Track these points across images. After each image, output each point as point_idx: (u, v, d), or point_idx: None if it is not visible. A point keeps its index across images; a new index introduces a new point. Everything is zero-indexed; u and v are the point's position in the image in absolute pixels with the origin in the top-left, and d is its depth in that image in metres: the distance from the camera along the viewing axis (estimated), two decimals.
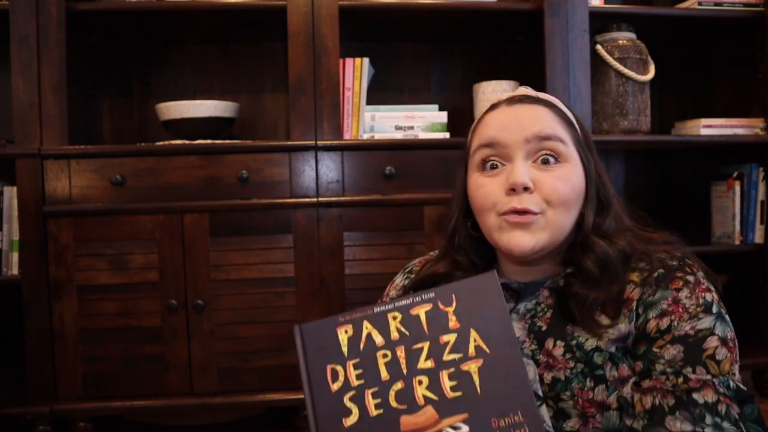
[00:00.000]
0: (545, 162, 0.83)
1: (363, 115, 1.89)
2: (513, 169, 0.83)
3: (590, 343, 0.80)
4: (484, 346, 0.72)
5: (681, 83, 2.35)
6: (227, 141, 1.81)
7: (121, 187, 1.72)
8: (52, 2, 1.71)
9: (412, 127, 1.90)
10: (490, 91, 1.97)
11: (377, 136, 1.87)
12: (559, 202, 0.83)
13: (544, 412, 0.80)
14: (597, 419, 0.79)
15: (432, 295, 0.75)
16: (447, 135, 1.89)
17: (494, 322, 0.73)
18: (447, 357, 0.72)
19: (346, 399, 0.70)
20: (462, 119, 2.10)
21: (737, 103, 2.19)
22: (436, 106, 1.96)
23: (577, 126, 0.89)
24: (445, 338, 0.73)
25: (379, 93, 2.11)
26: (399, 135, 1.89)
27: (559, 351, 0.81)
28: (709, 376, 0.74)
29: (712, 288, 0.81)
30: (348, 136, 1.87)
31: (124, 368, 1.73)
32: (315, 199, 1.78)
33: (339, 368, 0.72)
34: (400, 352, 0.73)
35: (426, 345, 0.73)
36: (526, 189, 0.82)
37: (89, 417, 1.71)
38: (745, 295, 2.10)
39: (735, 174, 2.10)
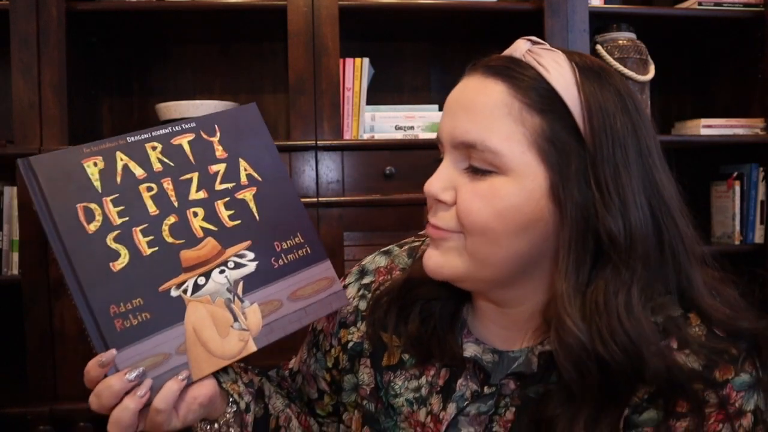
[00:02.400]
0: (474, 171, 0.61)
1: (363, 115, 1.89)
2: (435, 172, 0.65)
3: None
4: (256, 175, 0.71)
5: (681, 83, 2.35)
6: None
7: None
8: (52, 2, 1.70)
9: (412, 127, 1.90)
10: None
11: (377, 136, 1.87)
12: (473, 229, 0.60)
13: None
14: None
15: (193, 124, 0.70)
16: None
17: (262, 152, 0.72)
18: (219, 186, 0.69)
19: (109, 240, 0.63)
20: None
21: (737, 103, 2.19)
22: (436, 106, 1.96)
23: (577, 109, 0.59)
24: (214, 168, 0.70)
25: (379, 93, 2.11)
26: (399, 135, 1.89)
27: None
28: None
29: (755, 408, 0.55)
30: (348, 136, 1.87)
31: None
32: (315, 199, 1.78)
33: (94, 206, 0.63)
34: (167, 185, 0.67)
35: (195, 176, 0.68)
36: (437, 200, 0.64)
37: (89, 417, 1.71)
38: (744, 295, 2.10)
39: (735, 174, 2.10)
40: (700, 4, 2.01)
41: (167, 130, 0.69)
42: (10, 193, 1.79)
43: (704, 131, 2.04)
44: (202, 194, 0.68)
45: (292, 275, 0.68)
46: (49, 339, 1.70)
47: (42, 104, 1.71)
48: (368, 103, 1.91)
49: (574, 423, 0.57)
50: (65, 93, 1.72)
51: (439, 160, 0.66)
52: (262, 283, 0.67)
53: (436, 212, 0.65)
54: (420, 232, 0.82)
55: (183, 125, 0.70)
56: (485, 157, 0.60)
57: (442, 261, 0.64)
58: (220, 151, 0.70)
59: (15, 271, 1.79)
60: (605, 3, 2.04)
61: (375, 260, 0.82)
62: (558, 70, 0.61)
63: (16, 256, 1.78)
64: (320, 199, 1.78)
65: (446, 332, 0.69)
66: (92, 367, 0.60)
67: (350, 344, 0.76)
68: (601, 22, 1.98)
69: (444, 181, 0.64)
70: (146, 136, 0.68)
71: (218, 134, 0.71)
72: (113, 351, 0.60)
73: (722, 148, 2.17)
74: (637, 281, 0.58)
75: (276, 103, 2.16)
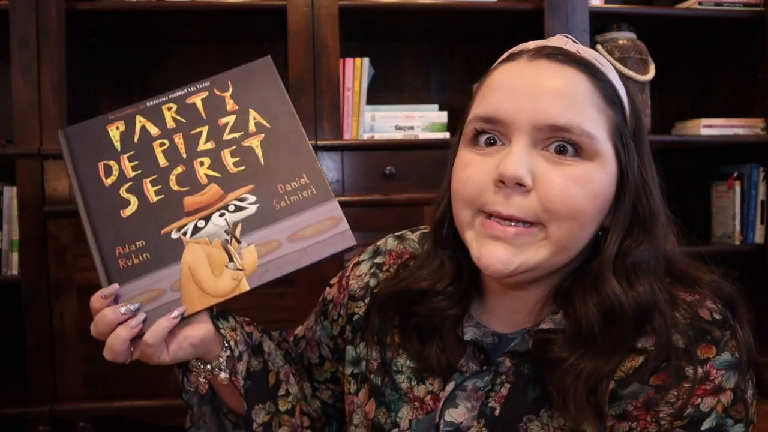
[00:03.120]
0: (560, 152, 0.60)
1: (363, 115, 1.89)
2: (509, 152, 0.61)
3: None
4: (264, 122, 0.73)
5: (681, 83, 2.35)
6: None
7: None
8: (52, 2, 1.71)
9: (412, 127, 1.90)
10: None
11: (377, 136, 1.87)
12: (568, 214, 0.60)
13: None
14: None
15: (207, 83, 0.75)
16: (447, 135, 1.89)
17: (272, 100, 0.74)
18: (227, 136, 0.72)
19: (122, 191, 0.69)
20: (462, 119, 2.09)
21: (737, 103, 2.19)
22: (436, 106, 1.96)
23: (626, 106, 0.64)
24: (223, 120, 0.73)
25: (379, 93, 2.11)
26: (399, 135, 1.89)
27: None
28: None
29: (735, 386, 0.58)
30: (348, 136, 1.87)
31: (124, 368, 1.72)
32: None
33: (112, 163, 0.71)
34: (178, 139, 0.72)
35: (205, 129, 0.72)
36: (520, 185, 0.60)
37: (89, 417, 1.71)
38: (745, 296, 2.10)
39: (735, 174, 2.10)
40: (700, 4, 2.01)
41: (183, 91, 0.75)
42: (10, 193, 1.79)
43: (704, 131, 2.04)
44: (209, 145, 0.72)
45: (294, 216, 0.69)
46: (49, 339, 1.70)
47: (42, 104, 1.71)
48: (368, 103, 1.92)
49: (581, 363, 0.60)
50: (65, 93, 1.72)
51: (487, 139, 0.64)
52: (262, 224, 0.68)
53: (510, 199, 0.60)
54: None
55: (198, 85, 0.75)
56: (580, 141, 0.60)
57: (517, 260, 0.61)
58: (230, 105, 0.74)
59: (15, 271, 1.79)
60: (605, 3, 2.04)
61: (388, 242, 0.82)
62: (610, 69, 0.65)
63: (16, 256, 1.78)
64: None
65: (447, 340, 0.69)
66: (95, 299, 0.66)
67: (356, 317, 0.78)
68: (601, 22, 1.99)
69: (526, 163, 0.60)
70: (164, 99, 0.75)
71: (231, 89, 0.75)
72: (115, 285, 0.66)
73: (722, 148, 2.17)
74: (658, 245, 0.64)
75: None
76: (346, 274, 0.81)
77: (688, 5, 2.06)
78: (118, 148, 0.72)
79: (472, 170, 0.63)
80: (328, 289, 0.84)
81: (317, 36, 1.80)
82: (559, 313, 0.64)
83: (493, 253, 0.61)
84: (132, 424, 1.86)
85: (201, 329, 0.67)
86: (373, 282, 0.78)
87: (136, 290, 0.66)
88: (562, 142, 0.60)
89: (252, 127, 0.73)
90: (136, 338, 0.65)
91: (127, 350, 0.65)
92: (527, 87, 0.61)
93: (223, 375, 0.70)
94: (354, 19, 1.89)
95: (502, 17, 1.95)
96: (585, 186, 0.60)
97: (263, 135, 0.72)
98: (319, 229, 0.68)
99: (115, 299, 0.66)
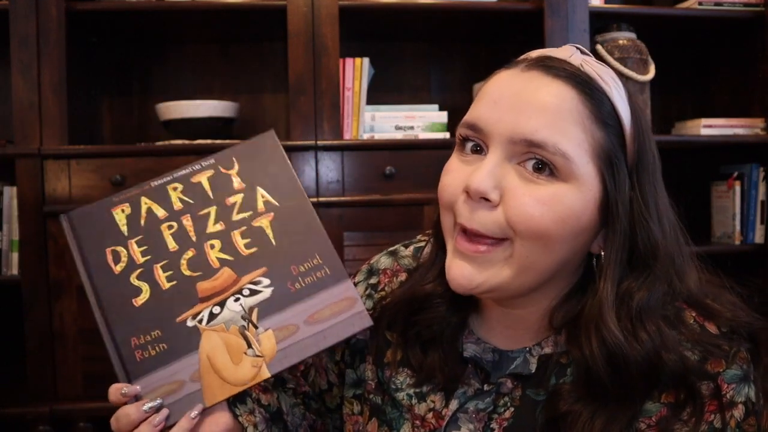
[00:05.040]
0: (537, 169, 0.59)
1: (363, 115, 1.89)
2: (481, 164, 0.60)
3: None
4: (273, 201, 0.72)
5: (681, 83, 2.35)
6: (227, 141, 1.81)
7: (121, 187, 1.72)
8: (52, 2, 1.70)
9: (412, 127, 1.90)
10: None
11: (377, 136, 1.87)
12: (530, 234, 0.58)
13: None
14: None
15: (212, 161, 0.73)
16: (447, 135, 1.89)
17: (280, 177, 0.72)
18: (236, 217, 0.71)
19: (132, 278, 0.68)
20: (462, 119, 2.09)
21: (737, 103, 2.19)
22: (436, 106, 1.96)
23: (627, 130, 0.61)
24: (231, 200, 0.71)
25: (379, 93, 2.11)
26: (399, 135, 1.89)
27: None
28: None
29: (746, 399, 0.58)
30: (348, 136, 1.87)
31: None
32: (315, 199, 1.78)
33: (120, 249, 0.69)
34: (186, 221, 0.70)
35: (213, 210, 0.71)
36: (486, 199, 0.59)
37: (89, 417, 1.71)
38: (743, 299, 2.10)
39: (735, 174, 2.10)
40: (700, 4, 2.01)
41: (188, 170, 0.73)
42: (10, 193, 1.79)
43: (704, 131, 2.04)
44: (219, 226, 0.70)
45: (309, 298, 0.67)
46: (48, 339, 1.70)
47: (42, 104, 1.71)
48: (368, 103, 1.91)
49: (595, 419, 0.58)
50: (65, 93, 1.72)
51: (474, 146, 0.62)
52: (278, 308, 0.67)
53: (474, 212, 0.60)
54: (428, 231, 0.81)
55: (202, 163, 0.73)
56: (554, 160, 0.58)
57: (479, 277, 0.61)
58: (237, 183, 0.72)
59: (15, 271, 1.79)
60: (605, 3, 2.04)
61: (381, 261, 0.81)
62: (615, 88, 0.62)
63: (15, 256, 1.78)
64: (320, 199, 1.78)
65: (448, 352, 0.68)
66: (114, 393, 0.65)
67: (353, 340, 0.78)
68: (601, 22, 1.98)
69: (493, 178, 0.59)
70: (168, 178, 0.73)
71: (236, 166, 0.73)
72: (137, 387, 0.64)
73: (722, 148, 2.17)
74: (661, 285, 0.61)
75: (276, 103, 2.16)
76: None
77: (688, 5, 2.06)
78: (126, 233, 0.70)
79: (451, 177, 0.63)
80: None
81: (317, 36, 1.80)
82: (561, 334, 0.64)
83: (458, 269, 0.61)
84: None
85: (222, 423, 0.65)
86: (369, 304, 0.78)
87: (154, 383, 0.64)
88: (538, 159, 0.59)
89: (261, 206, 0.71)
90: None
91: None
92: (511, 98, 0.60)
93: None
94: (354, 19, 1.89)
95: (502, 17, 1.95)
96: (552, 207, 0.58)
97: (273, 214, 0.71)
98: (335, 310, 0.67)
99: (136, 397, 0.65)
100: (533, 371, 0.64)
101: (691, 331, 0.60)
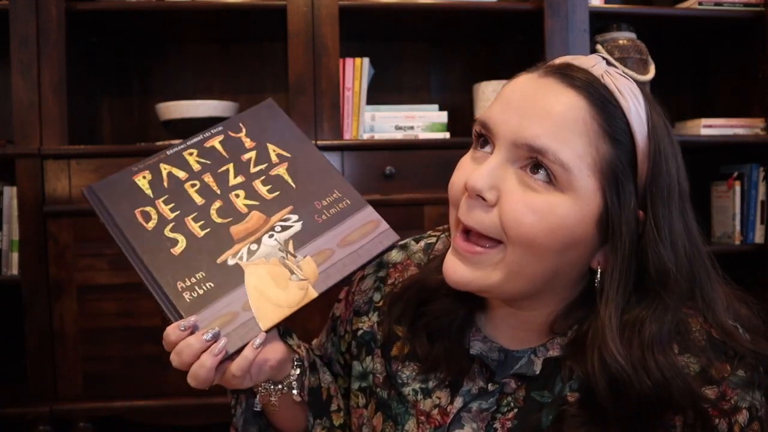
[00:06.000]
0: (536, 174, 0.59)
1: (363, 115, 1.89)
2: (480, 166, 0.61)
3: None
4: (284, 153, 0.78)
5: (681, 83, 2.35)
6: None
7: None
8: (52, 2, 1.70)
9: (412, 127, 1.90)
10: (490, 91, 1.97)
11: (377, 136, 1.87)
12: (520, 240, 0.59)
13: None
14: None
15: (220, 128, 0.79)
16: (447, 135, 1.89)
17: (286, 132, 0.79)
18: (254, 169, 0.76)
19: (166, 232, 0.71)
20: (462, 119, 2.10)
21: (737, 103, 2.19)
22: (436, 106, 1.96)
23: (639, 148, 0.60)
24: (246, 156, 0.77)
25: (379, 93, 2.11)
26: (399, 135, 1.89)
27: None
28: None
29: (750, 405, 0.58)
30: (348, 136, 1.87)
31: (124, 368, 1.73)
32: None
33: (149, 209, 0.73)
34: (208, 179, 0.75)
35: (230, 166, 0.76)
36: (482, 198, 0.60)
37: (89, 417, 1.71)
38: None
39: (735, 174, 2.10)
40: (700, 4, 2.01)
41: (199, 137, 0.78)
42: (10, 193, 1.79)
43: (704, 131, 2.04)
44: (240, 179, 0.75)
45: (337, 226, 0.73)
46: (48, 339, 1.70)
47: (42, 104, 1.71)
48: (368, 103, 1.91)
49: None
50: (65, 93, 1.72)
51: (484, 143, 0.63)
52: (311, 237, 0.72)
53: (471, 210, 0.61)
54: (438, 228, 0.83)
55: (211, 130, 0.79)
56: (553, 169, 0.58)
57: (469, 276, 0.62)
58: (248, 142, 0.78)
59: (15, 271, 1.79)
60: (605, 3, 2.04)
61: (392, 254, 0.82)
62: (634, 103, 0.61)
63: (15, 256, 1.78)
64: None
65: (454, 345, 0.69)
66: (172, 331, 0.66)
67: (360, 332, 0.78)
68: (601, 22, 1.98)
69: (492, 177, 0.60)
70: (182, 146, 0.78)
71: (244, 130, 0.79)
72: (194, 317, 0.66)
73: (722, 148, 2.17)
74: (673, 314, 0.59)
75: (276, 103, 2.16)
76: (352, 290, 0.82)
77: (688, 5, 2.06)
78: (151, 195, 0.74)
79: (459, 173, 0.64)
80: (336, 304, 0.85)
81: (317, 36, 1.80)
82: (566, 335, 0.65)
83: (452, 266, 0.63)
84: (132, 424, 1.86)
85: (278, 351, 0.69)
86: (377, 296, 0.79)
87: (209, 318, 0.67)
88: (539, 164, 0.59)
89: (274, 158, 0.77)
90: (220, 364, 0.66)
91: (213, 376, 0.65)
92: (521, 102, 0.60)
93: (295, 392, 0.72)
94: (354, 19, 1.89)
95: (502, 17, 1.95)
96: (543, 217, 0.58)
97: (287, 163, 0.77)
98: (363, 232, 0.73)
99: (194, 329, 0.67)
100: (537, 372, 0.65)
101: (695, 341, 0.60)
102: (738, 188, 2.09)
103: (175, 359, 0.66)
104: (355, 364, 0.79)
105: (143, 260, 0.69)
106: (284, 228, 0.72)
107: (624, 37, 1.98)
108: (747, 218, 2.08)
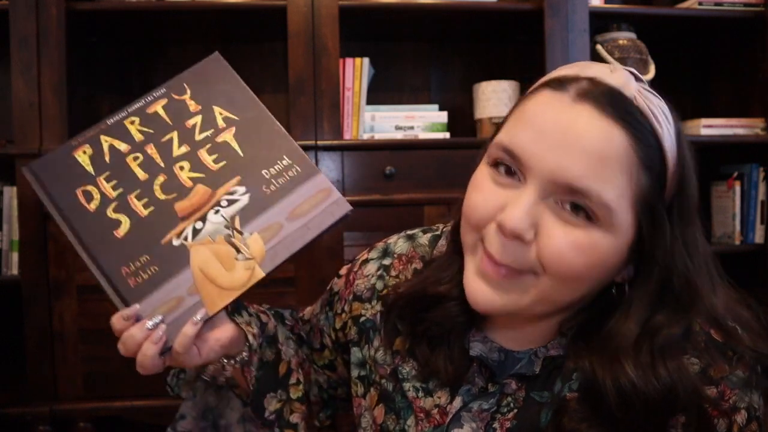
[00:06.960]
0: (575, 210, 0.57)
1: (363, 115, 1.89)
2: (517, 198, 0.58)
3: None
4: (232, 116, 0.73)
5: (681, 83, 2.35)
6: None
7: None
8: (52, 2, 1.70)
9: (412, 127, 1.90)
10: (490, 91, 1.97)
11: (377, 136, 1.87)
12: (561, 276, 0.58)
13: None
14: None
15: (163, 90, 0.75)
16: (447, 135, 1.89)
17: (233, 93, 0.74)
18: (199, 137, 0.72)
19: (109, 212, 0.68)
20: (462, 119, 2.10)
21: (737, 103, 2.19)
22: (436, 106, 1.96)
23: (669, 169, 0.59)
24: (190, 122, 0.73)
25: (379, 93, 2.11)
26: (399, 135, 1.89)
27: None
28: None
29: (748, 405, 0.58)
30: (348, 136, 1.87)
31: (124, 368, 1.72)
32: None
33: (90, 188, 0.70)
34: (151, 150, 0.71)
35: (174, 134, 0.72)
36: (517, 238, 0.58)
37: (89, 417, 1.71)
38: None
39: (735, 174, 2.10)
40: (700, 4, 2.01)
41: (141, 103, 0.74)
42: (10, 193, 1.79)
43: (704, 131, 2.04)
44: (184, 149, 0.72)
45: (286, 197, 0.70)
46: (48, 339, 1.70)
47: (42, 104, 1.71)
48: (368, 103, 1.91)
49: None
50: (65, 93, 1.72)
51: (508, 168, 0.60)
52: (258, 211, 0.69)
53: (506, 248, 0.58)
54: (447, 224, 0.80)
55: (154, 93, 0.75)
56: (594, 210, 0.56)
57: (500, 301, 0.60)
58: (193, 106, 0.74)
59: (15, 271, 1.79)
60: (605, 3, 2.04)
61: (398, 243, 0.81)
62: (666, 125, 0.59)
63: (16, 256, 1.78)
64: None
65: (454, 349, 0.69)
66: (117, 320, 0.66)
67: (362, 318, 0.77)
68: (601, 22, 1.98)
69: (530, 216, 0.57)
70: (123, 114, 0.74)
71: (188, 91, 0.75)
72: (136, 306, 0.65)
73: (722, 148, 2.17)
74: (686, 320, 0.60)
75: (276, 103, 2.16)
76: (354, 270, 0.81)
77: (688, 5, 2.06)
78: (92, 172, 0.70)
79: (482, 197, 0.61)
80: (336, 279, 0.84)
81: (317, 36, 1.80)
82: (567, 335, 0.65)
83: (480, 290, 0.61)
84: (132, 424, 1.86)
85: (228, 330, 0.69)
86: (379, 285, 0.78)
87: (154, 304, 0.66)
88: (578, 205, 0.56)
89: (221, 122, 0.73)
90: (166, 349, 0.65)
91: (158, 363, 0.65)
92: (558, 135, 0.56)
93: (247, 368, 0.72)
94: (354, 19, 1.89)
95: (502, 17, 1.95)
96: (587, 253, 0.57)
97: (234, 128, 0.73)
98: (313, 203, 0.70)
99: (137, 318, 0.66)
100: (537, 372, 0.65)
101: (696, 342, 0.61)
102: (738, 188, 2.09)
103: (121, 348, 0.66)
104: (355, 351, 0.78)
105: (85, 244, 0.67)
106: (230, 202, 0.69)
107: (624, 37, 1.98)
108: (747, 218, 2.08)
